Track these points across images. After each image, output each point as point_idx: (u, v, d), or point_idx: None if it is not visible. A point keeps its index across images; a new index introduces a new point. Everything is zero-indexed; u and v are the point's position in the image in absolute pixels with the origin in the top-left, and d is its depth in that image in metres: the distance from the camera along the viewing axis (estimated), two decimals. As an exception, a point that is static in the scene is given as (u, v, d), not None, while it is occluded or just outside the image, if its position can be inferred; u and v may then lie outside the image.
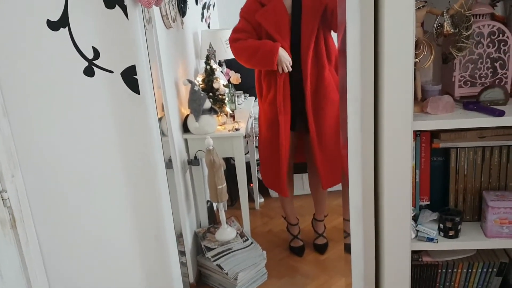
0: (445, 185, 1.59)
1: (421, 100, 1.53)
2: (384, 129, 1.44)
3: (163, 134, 1.64)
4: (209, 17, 3.53)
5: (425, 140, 1.54)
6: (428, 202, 1.61)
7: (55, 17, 1.47)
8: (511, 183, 1.56)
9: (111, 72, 1.53)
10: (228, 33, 3.06)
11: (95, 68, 1.52)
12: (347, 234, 2.79)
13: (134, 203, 1.71)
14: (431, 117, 1.45)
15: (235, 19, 2.53)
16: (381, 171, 1.52)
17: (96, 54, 1.51)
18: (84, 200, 1.69)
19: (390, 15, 1.33)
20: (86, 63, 1.52)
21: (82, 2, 1.46)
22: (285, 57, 2.38)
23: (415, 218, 1.58)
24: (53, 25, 1.47)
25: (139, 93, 1.53)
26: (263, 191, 3.60)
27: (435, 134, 1.55)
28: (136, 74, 1.51)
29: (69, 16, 1.47)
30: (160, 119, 1.65)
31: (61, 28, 1.48)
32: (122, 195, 1.69)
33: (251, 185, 3.50)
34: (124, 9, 1.44)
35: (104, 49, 1.50)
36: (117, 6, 1.45)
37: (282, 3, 2.40)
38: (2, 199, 1.53)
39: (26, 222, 1.63)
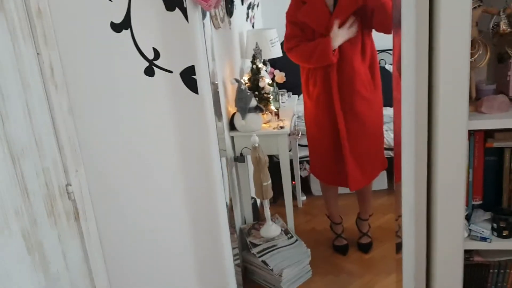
0: (498, 185, 1.58)
1: (475, 99, 1.53)
2: (439, 128, 1.45)
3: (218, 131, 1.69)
4: (253, 16, 3.57)
5: (478, 139, 1.54)
6: (481, 202, 1.60)
7: (118, 19, 1.54)
8: None
9: (171, 72, 1.59)
10: (272, 32, 3.11)
11: (155, 68, 1.59)
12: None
13: (191, 199, 1.78)
14: (485, 116, 1.45)
15: (278, 19, 2.57)
16: (434, 170, 1.53)
17: (157, 54, 1.57)
18: (143, 195, 1.77)
19: (447, 15, 1.34)
20: (147, 64, 1.59)
21: (144, 5, 1.53)
22: (340, 36, 2.39)
23: (467, 217, 1.58)
24: (116, 27, 1.55)
25: (197, 93, 1.59)
26: (305, 189, 3.62)
27: (488, 134, 1.54)
28: (194, 74, 1.57)
29: (131, 18, 1.54)
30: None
31: (124, 30, 1.55)
32: (179, 190, 1.76)
33: (293, 182, 3.53)
34: (184, 11, 1.50)
35: (164, 50, 1.57)
36: (177, 8, 1.51)
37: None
38: (68, 192, 1.62)
39: (88, 216, 1.72)
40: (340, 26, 2.38)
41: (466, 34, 1.34)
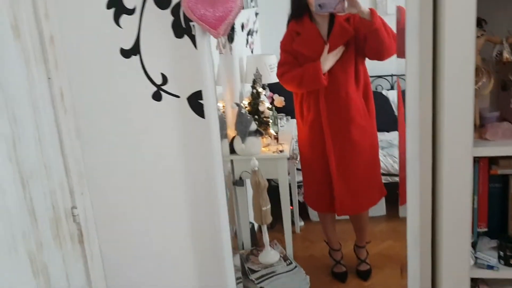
0: (503, 212, 1.59)
1: (479, 127, 1.55)
2: (444, 155, 1.46)
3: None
4: (252, 42, 3.62)
5: (483, 166, 1.55)
6: (486, 229, 1.60)
7: (128, 45, 1.56)
8: None
9: (178, 97, 1.61)
10: (271, 58, 3.15)
11: (163, 93, 1.60)
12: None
13: (195, 223, 1.77)
14: (490, 143, 1.47)
15: (276, 45, 2.61)
16: (440, 196, 1.53)
17: (165, 80, 1.59)
18: (146, 219, 1.76)
19: (451, 44, 1.36)
20: (155, 88, 1.60)
21: (153, 32, 1.55)
22: (329, 61, 2.43)
23: (473, 245, 1.57)
24: (126, 53, 1.57)
25: (204, 117, 1.60)
26: (303, 215, 3.61)
27: (493, 161, 1.55)
28: (201, 99, 1.58)
29: (140, 44, 1.56)
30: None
31: (133, 56, 1.57)
32: (184, 215, 1.76)
33: (291, 207, 3.52)
34: (193, 38, 1.52)
35: (172, 75, 1.59)
36: (185, 35, 1.54)
37: (317, 29, 2.47)
38: (73, 215, 1.61)
39: (92, 239, 1.71)
40: (329, 51, 2.42)
41: (471, 62, 1.37)
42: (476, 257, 1.54)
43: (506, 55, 1.45)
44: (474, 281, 1.65)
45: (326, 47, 2.42)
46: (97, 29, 1.57)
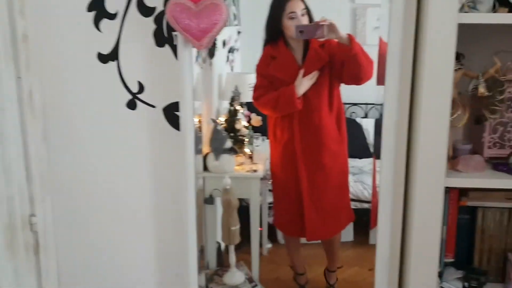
0: (470, 244, 1.61)
1: (451, 158, 1.57)
2: (416, 183, 1.47)
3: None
4: (233, 60, 3.63)
5: (453, 197, 1.57)
6: (453, 260, 1.61)
7: (106, 50, 1.53)
8: (536, 247, 1.57)
9: (154, 106, 1.58)
10: (251, 77, 3.14)
11: (138, 101, 1.57)
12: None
13: (161, 238, 1.72)
14: (462, 174, 1.49)
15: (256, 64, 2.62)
16: (410, 224, 1.54)
17: (141, 88, 1.56)
18: (110, 232, 1.72)
19: (430, 75, 1.39)
20: (130, 96, 1.57)
21: (134, 39, 1.53)
22: (304, 85, 2.44)
23: (439, 275, 1.58)
24: (103, 58, 1.54)
25: (179, 129, 1.57)
26: (271, 237, 3.57)
27: (463, 192, 1.57)
28: (177, 111, 1.55)
29: (119, 50, 1.53)
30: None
31: (110, 61, 1.54)
32: (149, 230, 1.71)
33: (261, 229, 3.48)
34: (174, 48, 1.51)
35: (149, 84, 1.56)
36: (167, 45, 1.52)
37: (292, 54, 2.50)
38: (30, 224, 1.55)
39: (48, 249, 1.63)
40: (304, 75, 2.44)
41: (447, 94, 1.40)
42: (441, 287, 1.54)
43: (481, 89, 1.48)
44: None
45: (301, 72, 2.44)
46: (76, 31, 1.54)
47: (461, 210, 1.58)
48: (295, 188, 2.60)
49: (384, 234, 1.60)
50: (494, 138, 1.57)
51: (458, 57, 1.49)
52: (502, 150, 1.57)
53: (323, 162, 2.56)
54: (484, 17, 1.39)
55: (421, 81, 1.43)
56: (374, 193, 1.62)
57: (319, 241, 2.97)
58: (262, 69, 2.56)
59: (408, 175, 1.58)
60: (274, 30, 2.50)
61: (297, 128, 2.52)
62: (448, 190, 1.54)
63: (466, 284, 1.54)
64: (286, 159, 2.60)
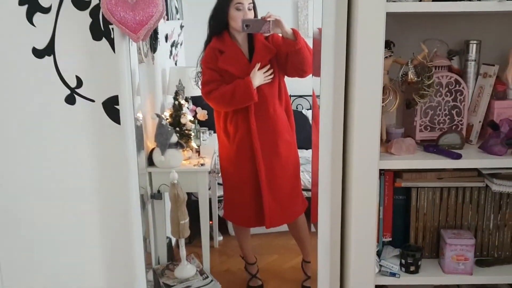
0: (406, 223, 1.69)
1: (385, 142, 1.64)
2: (352, 168, 1.54)
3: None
4: (176, 54, 3.60)
5: (388, 179, 1.65)
6: (390, 239, 1.70)
7: (42, 45, 1.50)
8: (466, 222, 1.68)
9: (93, 101, 1.56)
10: (195, 71, 3.15)
11: (76, 96, 1.55)
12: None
13: (106, 236, 1.71)
14: (395, 157, 1.57)
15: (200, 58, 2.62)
16: (348, 207, 1.60)
17: (79, 83, 1.54)
18: (52, 232, 1.68)
19: (361, 63, 1.45)
20: (68, 91, 1.54)
21: (70, 33, 1.50)
22: (258, 77, 2.48)
23: (378, 254, 1.66)
24: (38, 53, 1.51)
25: (119, 123, 1.56)
26: (222, 229, 3.60)
27: (397, 174, 1.66)
28: (117, 104, 1.55)
29: (55, 45, 1.51)
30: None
31: (46, 56, 1.51)
32: (94, 227, 1.70)
33: (211, 222, 3.49)
34: (111, 41, 1.50)
35: (88, 78, 1.54)
36: (104, 38, 1.50)
37: (239, 48, 2.53)
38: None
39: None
40: (259, 69, 2.48)
41: (379, 81, 1.46)
42: (380, 265, 1.62)
43: (410, 76, 1.56)
44: (379, 290, 1.74)
45: (258, 65, 2.47)
46: (7, 26, 1.50)
47: (396, 191, 1.66)
48: (252, 180, 2.63)
49: (324, 218, 1.66)
50: (424, 122, 1.66)
51: (389, 45, 1.57)
52: (433, 132, 1.67)
53: (279, 151, 2.62)
54: (410, 6, 1.46)
55: (353, 69, 1.49)
56: (314, 182, 1.68)
57: (269, 231, 3.02)
58: (210, 63, 2.55)
59: (345, 160, 1.64)
60: (220, 21, 2.51)
61: (253, 120, 2.55)
62: (383, 172, 1.62)
63: (403, 261, 1.62)
64: (242, 153, 2.62)
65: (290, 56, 2.43)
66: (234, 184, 2.75)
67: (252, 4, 2.49)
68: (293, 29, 2.41)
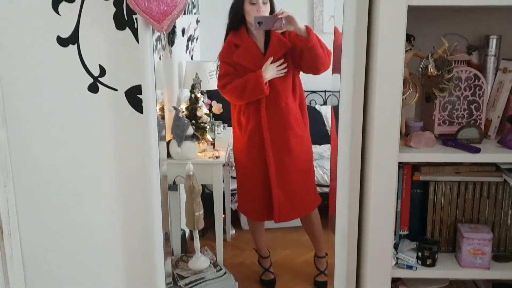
0: (423, 216, 1.70)
1: (404, 135, 1.65)
2: (372, 160, 1.54)
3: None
4: (193, 49, 3.64)
5: (406, 172, 1.65)
6: (407, 232, 1.70)
7: (66, 34, 1.53)
8: (483, 217, 1.68)
9: (116, 90, 1.58)
10: (211, 65, 3.17)
11: (99, 85, 1.57)
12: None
13: (126, 225, 1.72)
14: (414, 150, 1.57)
15: (215, 53, 2.65)
16: (366, 200, 1.61)
17: (102, 71, 1.56)
18: (74, 218, 1.70)
19: (382, 57, 1.46)
20: (91, 80, 1.57)
21: (94, 22, 1.52)
22: (270, 70, 2.49)
23: (395, 247, 1.66)
24: (63, 42, 1.53)
25: (142, 112, 1.58)
26: (234, 223, 3.63)
27: (416, 167, 1.66)
28: (140, 94, 1.57)
29: (79, 34, 1.53)
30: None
31: (70, 45, 1.54)
32: (115, 216, 1.71)
33: (224, 215, 3.52)
34: (135, 31, 1.52)
35: (111, 67, 1.56)
36: (127, 28, 1.52)
37: (255, 42, 2.56)
38: (-7, 210, 1.53)
39: (13, 236, 1.62)
40: (272, 62, 2.50)
41: (399, 74, 1.47)
42: (397, 258, 1.62)
43: (430, 69, 1.56)
44: (394, 282, 1.74)
45: (270, 58, 2.49)
46: (33, 14, 1.52)
47: (414, 185, 1.67)
48: (263, 173, 2.65)
49: (342, 210, 1.67)
50: (443, 116, 1.66)
51: (409, 38, 1.57)
52: (451, 127, 1.66)
53: (290, 146, 2.63)
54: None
55: (374, 63, 1.50)
56: (333, 177, 1.69)
57: (282, 226, 3.04)
58: (226, 57, 2.58)
59: (363, 154, 1.65)
60: (237, 16, 2.54)
61: (264, 113, 2.57)
62: (401, 166, 1.62)
63: (419, 254, 1.63)
64: (253, 145, 2.65)
65: (304, 53, 2.45)
66: (246, 176, 2.77)
67: None
68: (306, 27, 2.43)
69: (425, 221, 1.70)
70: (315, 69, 2.51)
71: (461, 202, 1.67)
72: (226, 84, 2.57)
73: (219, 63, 2.66)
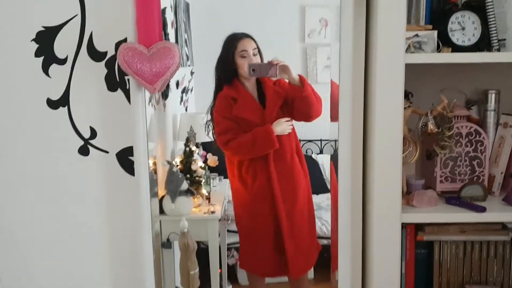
0: (428, 277, 1.62)
1: (406, 193, 1.60)
2: (373, 221, 1.48)
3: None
4: (187, 100, 3.63)
5: (410, 232, 1.59)
6: (413, 295, 1.62)
7: (56, 96, 1.50)
8: (491, 278, 1.60)
9: (107, 152, 1.54)
10: (205, 117, 3.14)
11: (90, 147, 1.53)
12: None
13: (116, 285, 1.65)
14: (417, 210, 1.51)
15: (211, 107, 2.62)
16: (369, 261, 1.54)
17: (93, 134, 1.53)
18: (64, 277, 1.64)
19: (381, 115, 1.43)
20: (82, 142, 1.53)
21: (85, 84, 1.50)
22: (282, 125, 2.46)
23: (400, 311, 1.58)
24: (53, 104, 1.50)
25: (133, 175, 1.53)
26: (231, 279, 3.50)
27: (419, 227, 1.60)
28: (131, 155, 1.52)
29: (70, 96, 1.50)
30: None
31: (61, 107, 1.50)
32: (106, 279, 1.64)
33: (220, 270, 3.41)
34: (127, 92, 1.49)
35: (102, 129, 1.53)
36: (119, 89, 1.49)
37: (250, 94, 2.53)
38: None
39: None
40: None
41: (399, 132, 1.43)
42: (404, 324, 1.54)
43: (430, 126, 1.53)
44: None
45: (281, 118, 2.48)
46: (23, 77, 1.50)
47: (418, 245, 1.60)
48: (273, 226, 2.57)
49: (345, 271, 1.60)
50: (445, 173, 1.62)
51: (407, 95, 1.55)
52: (454, 184, 1.62)
53: (297, 197, 2.59)
54: (429, 57, 1.45)
55: (372, 120, 1.46)
56: (333, 228, 1.63)
57: (282, 281, 2.94)
58: (225, 112, 2.51)
59: (365, 211, 1.59)
60: (228, 70, 2.51)
61: (273, 168, 2.52)
62: (404, 225, 1.56)
63: (427, 319, 1.54)
64: (261, 200, 2.57)
65: (297, 101, 2.44)
66: (251, 232, 2.67)
67: (256, 49, 2.50)
68: (300, 76, 2.42)
69: (431, 283, 1.62)
70: (308, 117, 2.50)
71: (467, 262, 1.60)
72: (229, 140, 2.51)
73: (212, 118, 2.60)
